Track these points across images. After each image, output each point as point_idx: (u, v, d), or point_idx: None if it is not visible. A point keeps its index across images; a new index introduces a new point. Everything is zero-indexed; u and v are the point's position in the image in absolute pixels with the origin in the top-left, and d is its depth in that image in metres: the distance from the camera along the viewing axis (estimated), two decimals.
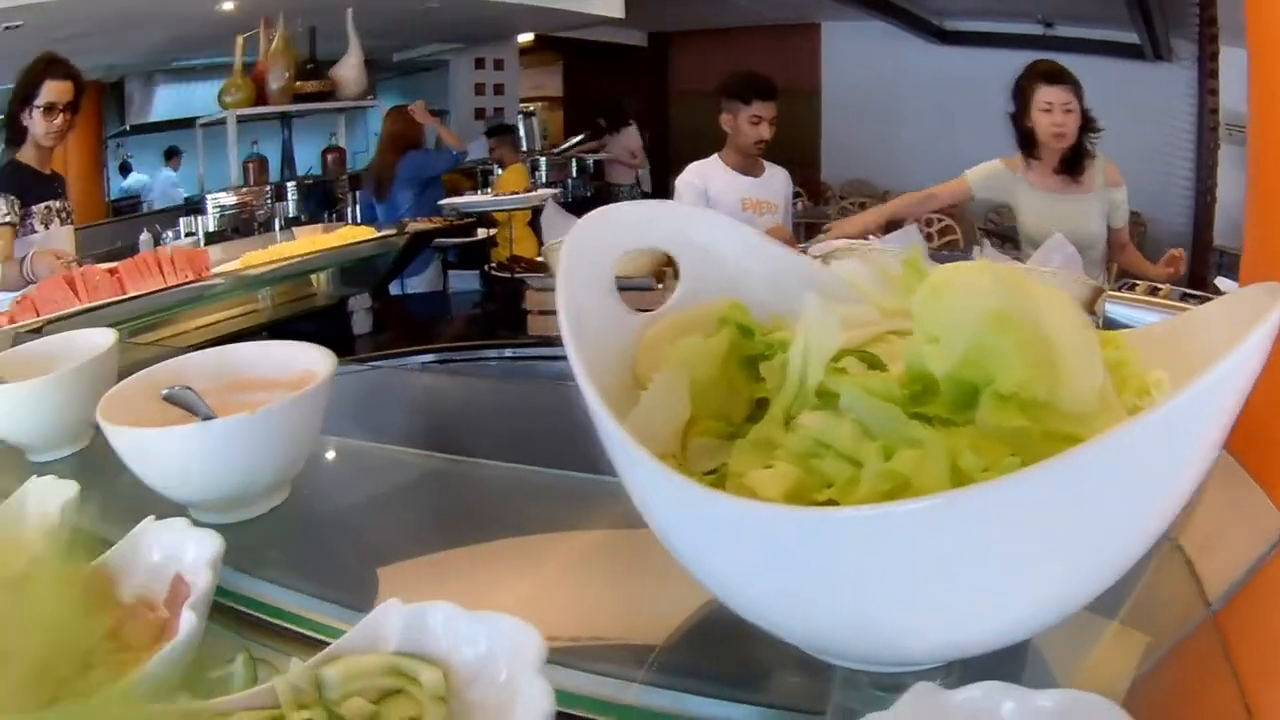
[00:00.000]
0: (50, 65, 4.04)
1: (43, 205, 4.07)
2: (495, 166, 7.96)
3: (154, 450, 1.23)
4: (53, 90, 4.01)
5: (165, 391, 1.33)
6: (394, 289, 5.55)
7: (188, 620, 0.89)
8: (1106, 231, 3.88)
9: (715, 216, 1.04)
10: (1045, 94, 3.90)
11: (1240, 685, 0.79)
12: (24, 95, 4.02)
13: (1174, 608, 0.97)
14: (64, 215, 4.20)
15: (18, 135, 4.08)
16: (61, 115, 4.04)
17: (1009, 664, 0.70)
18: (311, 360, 1.39)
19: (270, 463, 1.28)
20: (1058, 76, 3.93)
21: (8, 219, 3.92)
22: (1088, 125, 3.88)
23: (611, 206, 1.00)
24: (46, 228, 4.09)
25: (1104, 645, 0.89)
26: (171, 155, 8.11)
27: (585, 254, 0.96)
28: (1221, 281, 3.77)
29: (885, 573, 0.66)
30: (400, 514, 1.42)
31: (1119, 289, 3.23)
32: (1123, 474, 0.64)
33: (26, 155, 4.09)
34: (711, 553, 0.77)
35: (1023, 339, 0.69)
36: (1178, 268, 3.73)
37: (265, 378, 1.42)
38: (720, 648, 0.94)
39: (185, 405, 1.33)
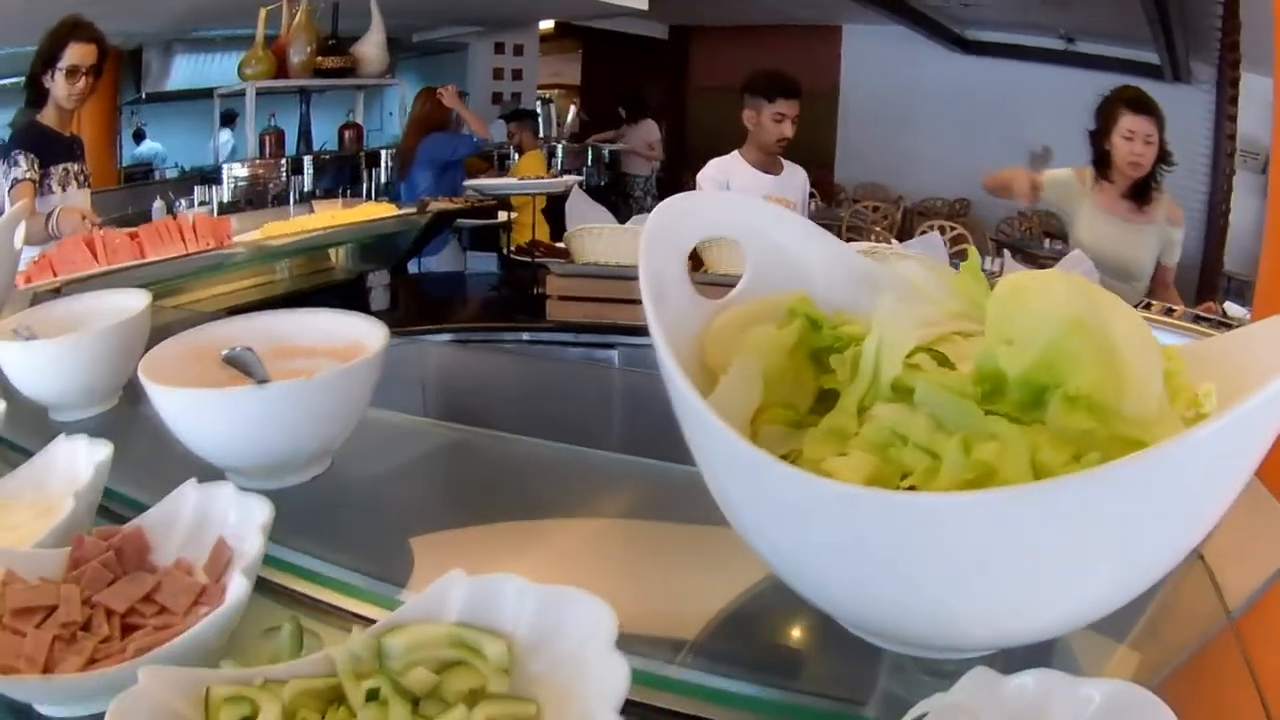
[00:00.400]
0: (75, 28, 4.01)
1: (60, 167, 4.05)
2: (513, 151, 7.96)
3: (205, 412, 1.22)
4: (76, 53, 3.99)
5: (226, 353, 1.32)
6: (411, 267, 5.56)
7: (238, 584, 0.90)
8: (1155, 267, 3.88)
9: (785, 213, 1.07)
10: (1129, 122, 3.85)
11: (1260, 688, 0.82)
12: (47, 57, 3.99)
13: (1195, 615, 1.00)
14: (81, 178, 4.18)
15: (39, 97, 4.06)
16: (84, 79, 4.02)
17: (1039, 662, 0.73)
18: (360, 331, 1.39)
19: (320, 430, 1.28)
20: (1144, 106, 3.89)
21: (29, 175, 3.91)
22: (1162, 158, 3.88)
23: (690, 194, 1.04)
24: (64, 189, 4.07)
25: (1127, 648, 0.92)
26: (229, 119, 8.09)
27: (666, 235, 0.98)
28: (1230, 306, 3.77)
29: (962, 558, 0.70)
30: (441, 487, 1.44)
31: (1136, 305, 3.25)
32: (1192, 474, 0.68)
33: (47, 117, 4.07)
34: (790, 533, 0.79)
35: (1095, 345, 0.72)
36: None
37: (310, 345, 1.41)
38: (764, 633, 0.98)
39: (244, 367, 1.32)
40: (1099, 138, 3.97)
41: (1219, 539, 1.09)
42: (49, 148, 4.04)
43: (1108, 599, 0.77)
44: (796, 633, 0.96)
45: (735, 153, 4.42)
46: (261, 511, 1.00)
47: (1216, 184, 7.13)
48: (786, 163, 4.50)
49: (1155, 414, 0.74)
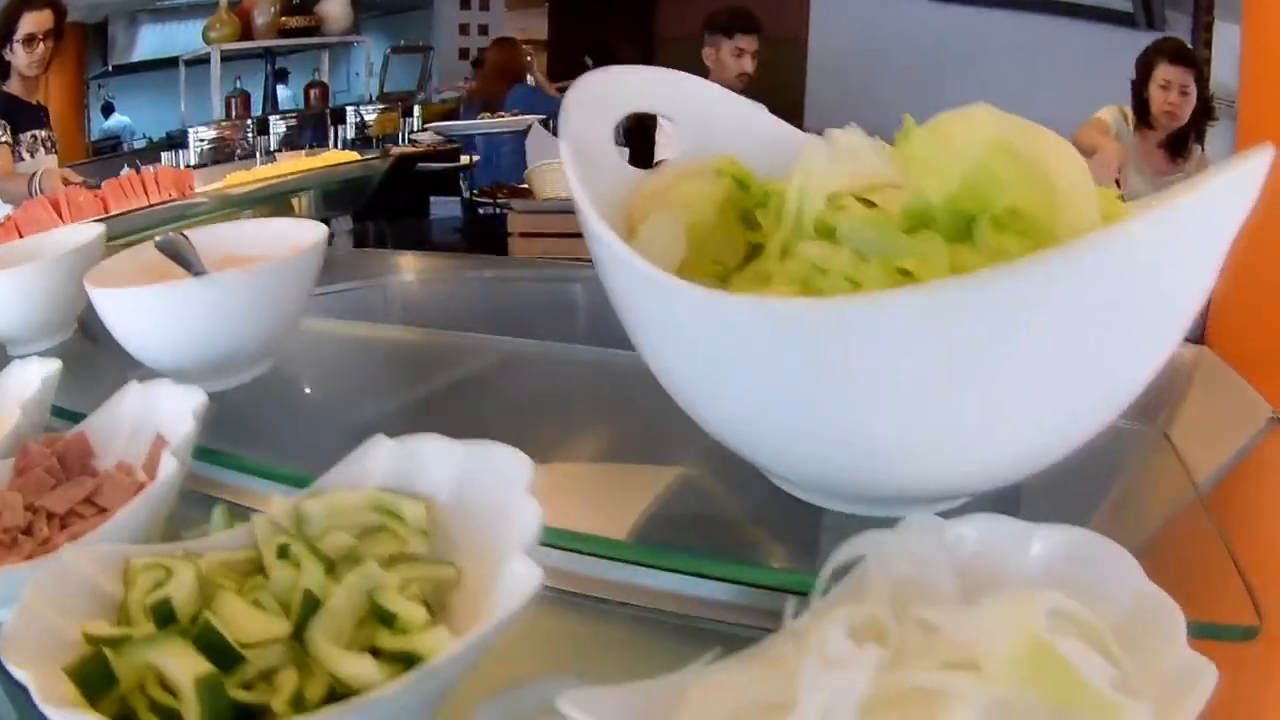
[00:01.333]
0: None
1: (29, 134, 4.10)
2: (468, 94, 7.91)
3: (145, 309, 1.22)
4: (31, 21, 4.02)
5: (158, 239, 1.34)
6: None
7: (168, 465, 0.89)
8: None
9: (715, 88, 1.05)
10: (1165, 72, 3.89)
11: (1231, 550, 0.81)
12: (3, 30, 4.02)
13: (1162, 491, 1.00)
14: (49, 144, 4.22)
15: (2, 70, 4.08)
16: (42, 45, 4.06)
17: None
18: (303, 233, 1.41)
19: (260, 326, 1.28)
20: (1180, 57, 3.93)
21: (4, 139, 3.96)
22: (1205, 111, 3.88)
23: (616, 68, 1.01)
24: (33, 156, 4.12)
25: (1094, 526, 0.89)
26: (282, 76, 8.04)
27: (588, 103, 0.96)
28: None
29: (878, 373, 0.67)
30: (383, 386, 1.43)
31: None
32: (1124, 274, 0.64)
33: (12, 87, 4.10)
34: (699, 359, 0.78)
35: (1021, 166, 0.70)
36: None
37: (257, 253, 1.41)
38: (709, 505, 0.96)
39: (178, 256, 1.32)
40: (1138, 87, 3.99)
41: (1184, 419, 1.09)
42: (19, 115, 4.09)
43: (1048, 432, 0.75)
44: (741, 502, 0.94)
45: None
46: (193, 398, 0.99)
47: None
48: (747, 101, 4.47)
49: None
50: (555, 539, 0.83)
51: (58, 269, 1.54)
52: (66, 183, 3.88)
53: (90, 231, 1.67)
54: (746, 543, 0.89)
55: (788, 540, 0.88)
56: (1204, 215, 0.66)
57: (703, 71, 4.38)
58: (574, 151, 0.88)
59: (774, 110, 0.94)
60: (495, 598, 0.66)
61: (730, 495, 0.94)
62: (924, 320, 0.64)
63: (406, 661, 0.63)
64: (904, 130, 0.86)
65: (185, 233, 1.38)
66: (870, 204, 0.81)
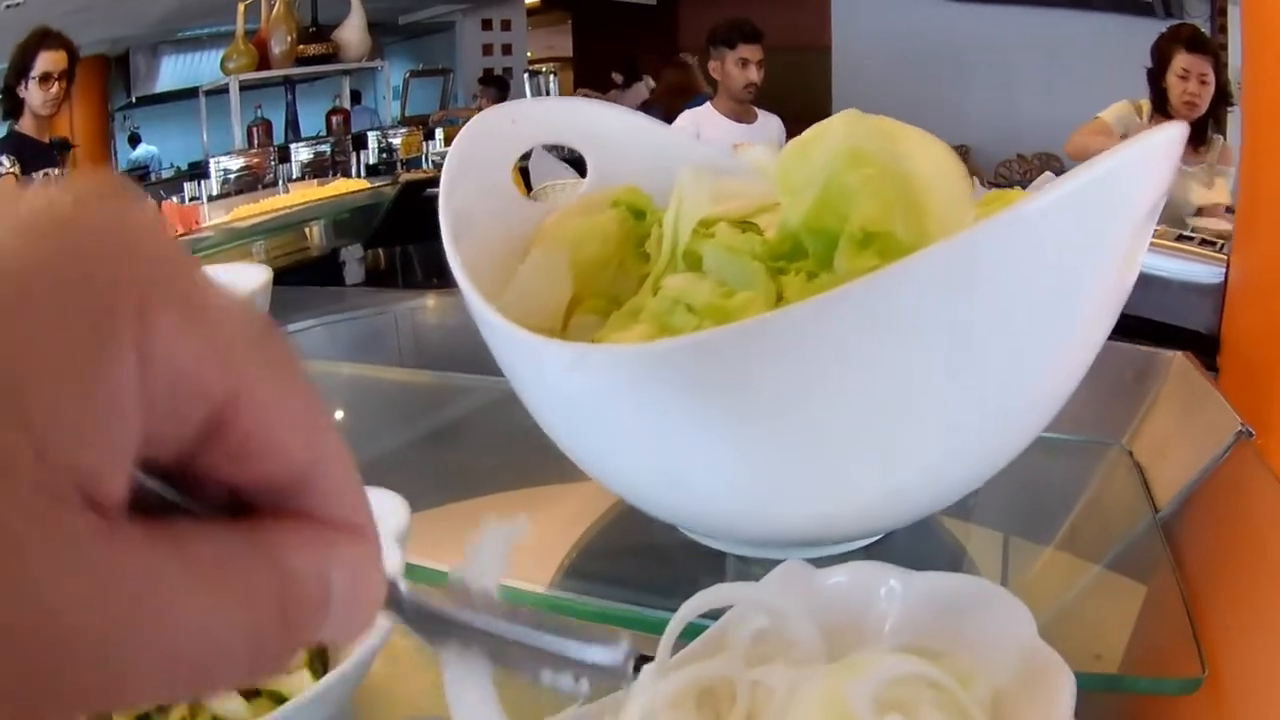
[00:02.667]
0: (44, 38, 4.09)
1: (40, 173, 4.08)
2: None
3: None
4: (47, 60, 4.04)
5: None
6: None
7: None
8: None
9: (622, 111, 1.01)
10: (1183, 60, 3.83)
11: (1182, 590, 0.77)
12: (20, 67, 4.05)
13: (1120, 514, 0.95)
14: None
15: (15, 107, 4.12)
16: (57, 84, 4.08)
17: (938, 565, 0.67)
18: (252, 279, 1.43)
19: None
20: (1197, 44, 3.87)
21: (11, 170, 3.97)
22: (1221, 98, 3.83)
23: (511, 102, 0.98)
24: None
25: (1047, 552, 0.87)
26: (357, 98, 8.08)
27: (481, 149, 0.93)
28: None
29: (704, 416, 0.65)
30: (371, 429, 1.41)
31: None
32: (939, 295, 0.60)
33: (25, 126, 4.13)
34: (547, 405, 0.77)
35: (877, 175, 0.65)
36: None
37: None
38: (622, 553, 0.92)
39: None
40: (1155, 76, 3.94)
41: (1150, 433, 1.05)
42: (29, 154, 4.08)
43: (922, 469, 0.71)
44: (650, 550, 0.90)
45: (708, 104, 4.43)
46: None
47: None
48: (760, 112, 4.50)
49: None
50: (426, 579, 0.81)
51: None
52: None
53: None
54: (646, 589, 0.85)
55: (691, 584, 0.84)
56: (1084, 203, 0.61)
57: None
58: (452, 215, 0.86)
59: (802, 119, 0.90)
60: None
61: (643, 543, 0.90)
62: (725, 363, 0.61)
63: (278, 700, 0.63)
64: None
65: None
66: (754, 227, 0.77)
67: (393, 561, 0.69)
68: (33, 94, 4.05)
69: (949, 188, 0.67)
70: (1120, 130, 3.92)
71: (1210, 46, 3.87)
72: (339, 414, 1.48)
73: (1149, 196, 0.64)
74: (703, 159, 0.96)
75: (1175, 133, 0.62)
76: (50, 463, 0.23)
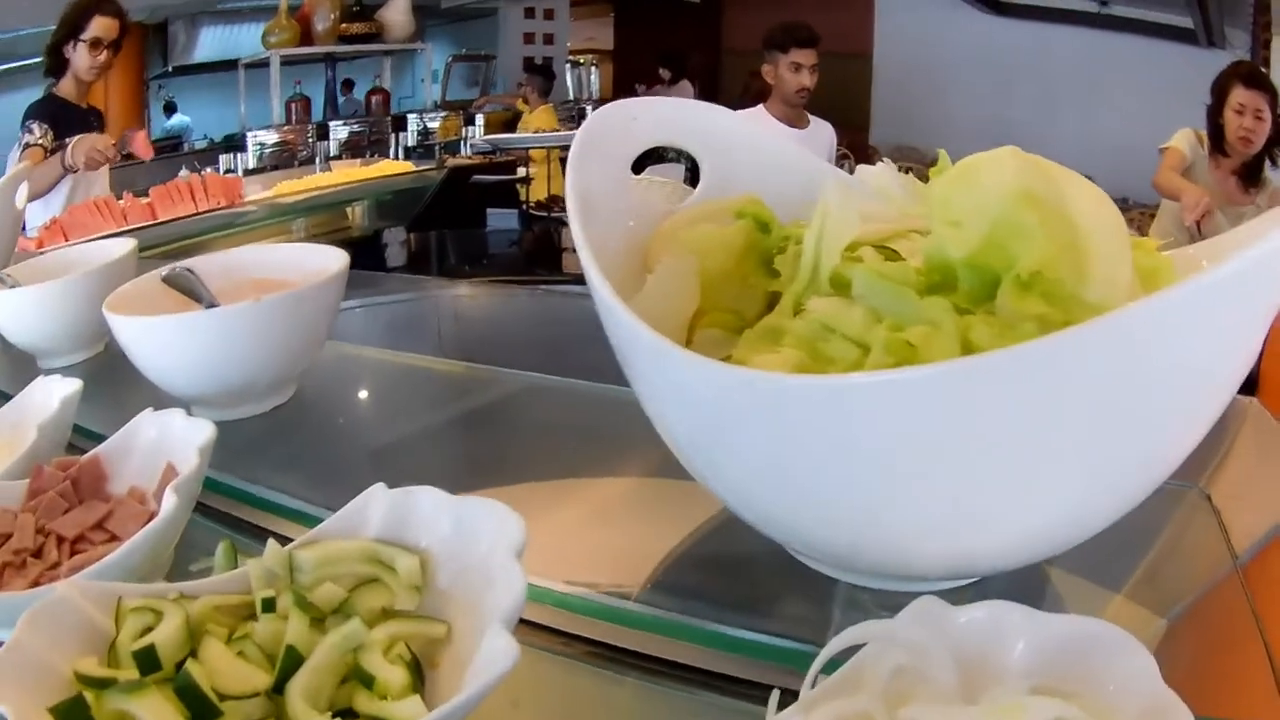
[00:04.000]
0: (101, 1, 4.04)
1: (77, 138, 4.05)
2: (521, 101, 7.91)
3: (155, 338, 1.21)
4: (100, 26, 4.00)
5: (164, 273, 1.33)
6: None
7: (169, 501, 0.87)
8: None
9: (741, 119, 1.00)
10: (1240, 95, 3.84)
11: (1265, 636, 0.76)
12: (72, 27, 4.01)
13: (1200, 559, 0.94)
14: None
15: (59, 66, 4.08)
16: (105, 52, 4.04)
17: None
18: (325, 260, 1.37)
19: (273, 356, 1.26)
20: (1255, 80, 3.88)
21: (40, 141, 3.91)
22: (1277, 138, 3.84)
23: (632, 100, 0.97)
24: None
25: (1125, 594, 0.85)
26: (348, 85, 8.05)
27: (601, 141, 0.92)
28: None
29: (878, 452, 0.63)
30: (403, 418, 1.40)
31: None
32: (1142, 358, 0.60)
33: (65, 89, 4.09)
34: (691, 426, 0.75)
35: (1050, 221, 0.64)
36: None
37: (279, 279, 1.39)
38: (723, 571, 0.91)
39: (187, 289, 1.33)
40: (1214, 112, 3.93)
41: (1227, 478, 1.04)
42: (64, 119, 4.04)
43: (1069, 514, 0.70)
44: (750, 568, 0.89)
45: (760, 106, 4.40)
46: (201, 433, 0.96)
47: None
48: (813, 118, 4.47)
49: (1125, 301, 0.65)
50: (551, 600, 0.82)
51: (85, 286, 1.54)
52: (104, 159, 3.84)
53: (121, 247, 1.66)
54: (755, 611, 0.84)
55: (798, 610, 0.83)
56: (1250, 282, 0.60)
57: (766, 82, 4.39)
58: (579, 198, 0.85)
59: (841, 125, 0.89)
60: (475, 666, 0.63)
61: (742, 559, 0.89)
62: (910, 403, 0.60)
63: None
64: (937, 167, 0.81)
65: (192, 265, 1.38)
66: (893, 253, 0.76)
67: (515, 579, 0.68)
68: (80, 57, 4.01)
69: (1110, 235, 0.66)
70: (1191, 159, 3.92)
71: (1268, 84, 3.86)
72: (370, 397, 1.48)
73: None
74: (822, 173, 0.95)
75: None
76: None
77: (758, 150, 0.98)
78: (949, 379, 0.59)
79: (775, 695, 0.58)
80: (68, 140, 3.95)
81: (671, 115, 0.98)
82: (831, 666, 0.60)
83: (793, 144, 1.00)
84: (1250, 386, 1.29)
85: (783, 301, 0.78)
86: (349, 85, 8.11)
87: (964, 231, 0.67)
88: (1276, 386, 1.28)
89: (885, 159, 0.94)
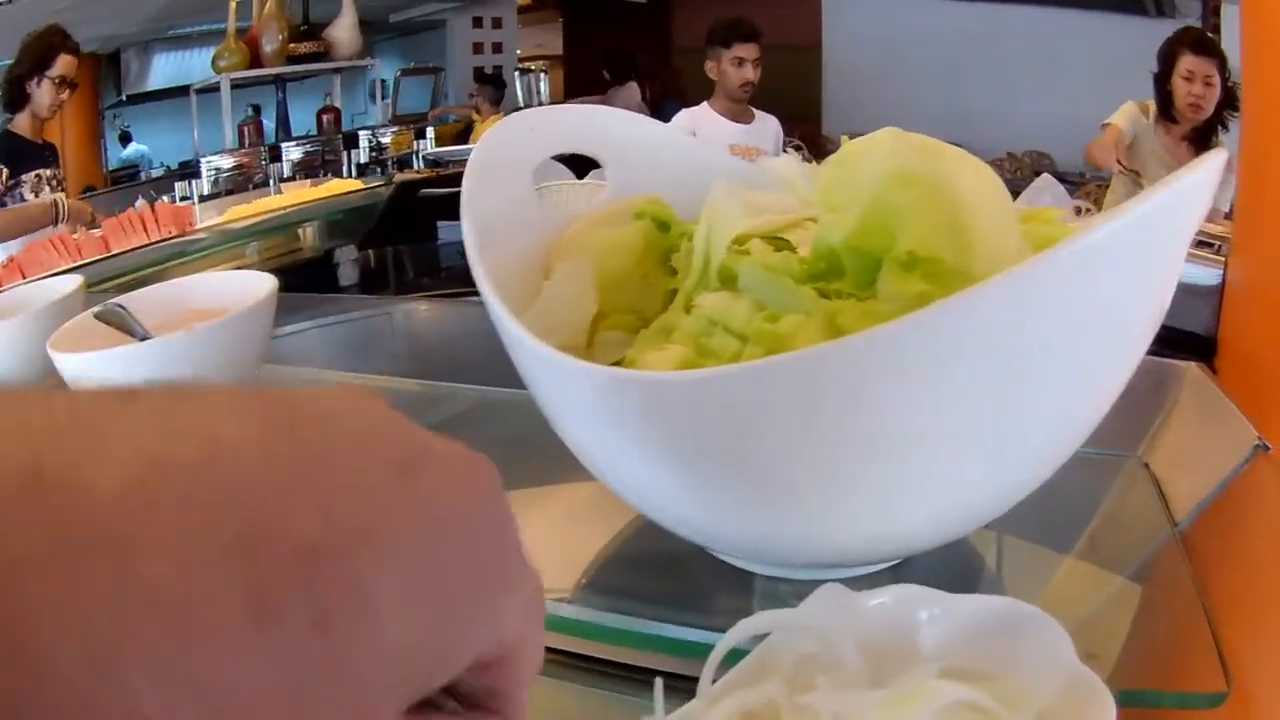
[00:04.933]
0: (65, 38, 4.10)
1: (33, 174, 4.07)
2: (474, 112, 7.90)
3: (95, 373, 1.21)
4: (65, 64, 4.06)
5: (95, 310, 1.33)
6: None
7: None
8: None
9: (643, 120, 1.00)
10: (1188, 62, 3.85)
11: (1205, 606, 0.76)
12: (37, 63, 4.03)
13: (1139, 528, 0.93)
14: (54, 183, 4.18)
15: (19, 101, 4.08)
16: (68, 89, 4.11)
17: (960, 588, 0.65)
18: (256, 286, 1.38)
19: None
20: (1203, 46, 3.89)
21: None
22: (1228, 102, 3.83)
23: (531, 110, 0.97)
24: (37, 195, 4.08)
25: (1064, 567, 0.85)
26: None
27: (500, 156, 0.92)
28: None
29: (749, 444, 0.64)
30: None
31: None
32: (1011, 326, 0.59)
33: (20, 125, 4.09)
34: (580, 428, 0.76)
35: (924, 196, 0.64)
36: None
37: (216, 308, 1.37)
38: (646, 570, 0.91)
39: (118, 324, 1.32)
40: (1161, 80, 3.95)
41: (1165, 445, 1.04)
42: (20, 156, 4.06)
43: (971, 488, 0.70)
44: (672, 566, 0.89)
45: (704, 103, 4.41)
46: None
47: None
48: (758, 112, 4.47)
49: None
50: None
51: (31, 326, 1.51)
52: (91, 217, 3.94)
53: (68, 285, 1.64)
54: (677, 607, 0.84)
55: (717, 604, 0.83)
56: (1135, 237, 0.61)
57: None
58: (475, 217, 0.85)
59: (794, 118, 0.88)
60: None
61: (663, 557, 0.89)
62: (779, 392, 0.60)
63: None
64: (834, 158, 0.81)
65: (126, 300, 1.38)
66: (784, 244, 0.76)
67: None
68: (44, 93, 4.03)
69: (993, 209, 0.66)
70: (1131, 133, 3.92)
71: (1216, 49, 3.87)
72: None
73: (1195, 225, 0.64)
74: (727, 169, 0.94)
75: (1218, 162, 0.62)
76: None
77: (662, 152, 0.98)
78: (797, 366, 0.59)
79: (659, 684, 0.58)
80: (23, 179, 3.95)
81: (572, 122, 0.98)
82: (737, 660, 0.60)
83: (696, 143, 1.00)
84: (1208, 352, 1.29)
85: (676, 299, 0.78)
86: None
87: (842, 216, 0.66)
88: (1234, 351, 1.28)
89: (790, 149, 0.93)
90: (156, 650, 0.22)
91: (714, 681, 0.58)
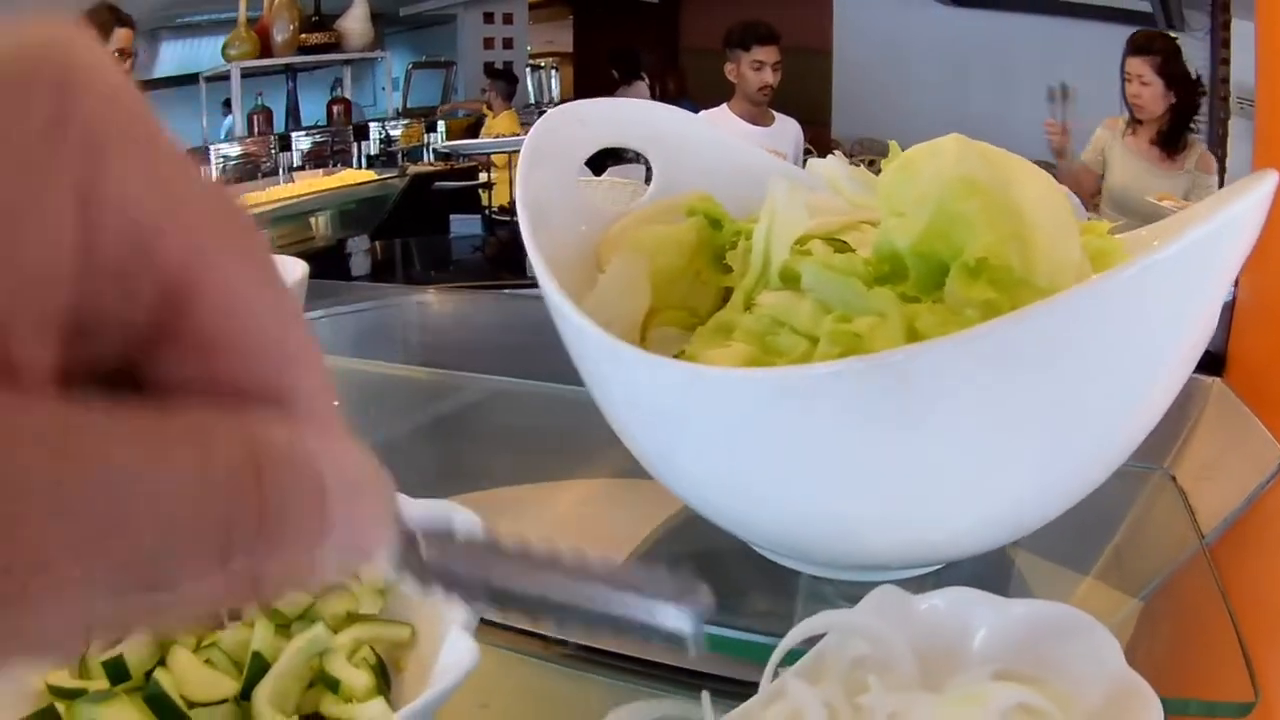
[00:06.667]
0: (117, 12, 4.28)
1: None
2: (485, 107, 7.90)
3: None
4: (122, 37, 4.27)
5: None
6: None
7: None
8: None
9: (691, 116, 1.01)
10: (1129, 64, 3.96)
11: (1234, 617, 0.76)
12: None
13: (1166, 540, 0.94)
14: None
15: None
16: (128, 61, 4.33)
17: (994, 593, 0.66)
18: (285, 270, 1.35)
19: None
20: (1140, 48, 3.98)
21: None
22: (1184, 103, 3.87)
23: (580, 102, 0.97)
24: None
25: (1093, 578, 0.86)
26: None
27: (550, 147, 0.92)
28: None
29: (822, 444, 0.64)
30: (372, 426, 1.40)
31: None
32: (1087, 338, 0.60)
33: None
34: (643, 422, 0.76)
35: (990, 204, 0.65)
36: None
37: None
38: (688, 567, 0.91)
39: None
40: (1122, 83, 4.01)
41: (1192, 457, 1.04)
42: None
43: (1024, 497, 0.70)
44: (715, 563, 0.89)
45: (724, 105, 4.40)
46: None
47: (1213, 131, 7.07)
48: (778, 115, 4.47)
49: (1073, 283, 0.66)
50: None
51: None
52: None
53: None
54: (720, 607, 0.84)
55: (762, 604, 0.83)
56: (1197, 257, 0.62)
57: (727, 81, 4.42)
58: (529, 206, 0.84)
59: (803, 121, 0.89)
60: (438, 669, 0.63)
61: (706, 555, 0.89)
62: (859, 392, 0.61)
63: None
64: (889, 158, 0.81)
65: None
66: (843, 245, 0.76)
67: None
68: None
69: (1055, 219, 0.66)
70: (1102, 157, 3.98)
71: (1157, 48, 3.98)
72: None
73: (1250, 244, 0.65)
74: (775, 171, 0.95)
75: (1271, 183, 0.63)
76: None
77: (708, 148, 0.98)
78: (889, 367, 0.59)
79: (706, 697, 0.58)
80: None
81: (621, 116, 0.98)
82: (792, 660, 0.60)
83: (743, 141, 1.01)
84: (1217, 367, 1.29)
85: (734, 297, 0.79)
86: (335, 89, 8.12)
87: (908, 221, 0.67)
88: (1244, 366, 1.28)
89: (836, 151, 0.94)
90: None
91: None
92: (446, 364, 1.56)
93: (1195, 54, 7.39)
